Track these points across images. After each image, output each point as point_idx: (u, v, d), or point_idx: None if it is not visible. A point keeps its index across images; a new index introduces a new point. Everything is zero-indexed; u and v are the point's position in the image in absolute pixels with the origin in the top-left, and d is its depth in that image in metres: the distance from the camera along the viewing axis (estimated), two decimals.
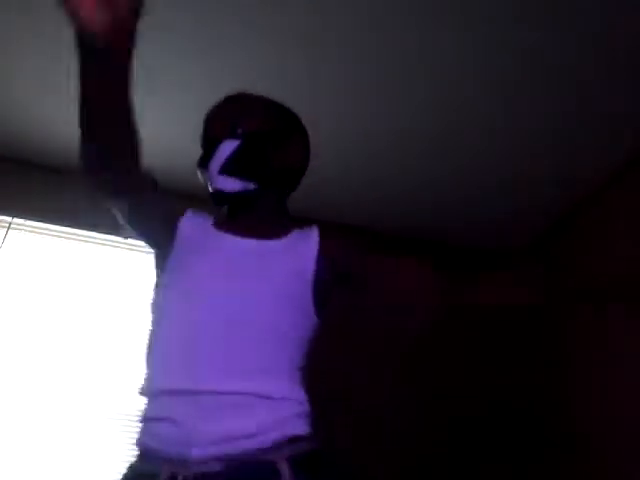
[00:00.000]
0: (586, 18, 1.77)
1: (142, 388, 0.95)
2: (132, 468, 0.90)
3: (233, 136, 1.05)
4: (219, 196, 1.06)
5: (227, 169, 1.03)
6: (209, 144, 1.06)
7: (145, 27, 1.91)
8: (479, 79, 2.04)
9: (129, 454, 2.28)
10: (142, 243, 2.85)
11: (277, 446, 0.85)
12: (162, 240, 1.04)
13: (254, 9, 1.82)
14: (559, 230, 2.75)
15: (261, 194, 1.08)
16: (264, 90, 2.13)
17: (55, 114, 2.33)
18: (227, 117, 1.08)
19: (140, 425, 0.92)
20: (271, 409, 0.88)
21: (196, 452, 0.82)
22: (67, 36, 1.96)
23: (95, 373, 2.36)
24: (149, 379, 0.93)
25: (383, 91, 2.12)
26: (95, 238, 2.62)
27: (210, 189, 1.06)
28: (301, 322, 0.98)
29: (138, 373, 2.39)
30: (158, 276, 1.05)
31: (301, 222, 1.15)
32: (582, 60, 1.92)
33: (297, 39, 1.92)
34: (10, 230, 2.50)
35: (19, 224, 2.53)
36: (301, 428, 0.90)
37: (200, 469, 0.81)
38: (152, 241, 1.07)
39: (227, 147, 1.04)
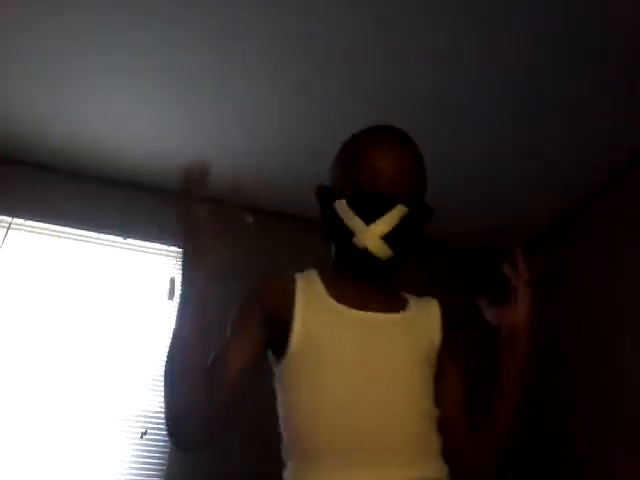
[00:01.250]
0: (587, 17, 1.77)
1: (295, 465, 0.91)
2: None
3: (404, 201, 1.00)
4: (364, 257, 0.97)
5: (391, 237, 0.97)
6: (380, 200, 0.98)
7: (154, 23, 1.92)
8: (479, 79, 2.04)
9: (130, 454, 2.28)
10: (142, 243, 2.83)
11: None
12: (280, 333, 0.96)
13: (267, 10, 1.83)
14: (559, 230, 2.74)
15: (397, 265, 1.04)
16: (279, 93, 2.14)
17: (55, 114, 2.33)
18: (397, 173, 1.03)
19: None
20: None
21: None
22: (67, 36, 1.96)
23: (95, 373, 2.36)
24: (307, 470, 0.89)
25: (382, 91, 2.12)
26: (95, 238, 2.62)
27: (358, 243, 0.97)
28: (434, 402, 0.98)
29: (137, 373, 2.39)
30: (279, 359, 0.97)
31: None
32: (582, 59, 1.92)
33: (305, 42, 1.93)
34: (10, 230, 2.50)
35: (19, 224, 2.53)
36: None
37: None
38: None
39: (398, 213, 0.98)
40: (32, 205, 2.53)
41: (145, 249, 2.63)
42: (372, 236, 0.97)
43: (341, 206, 1.00)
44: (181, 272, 0.92)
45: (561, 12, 1.76)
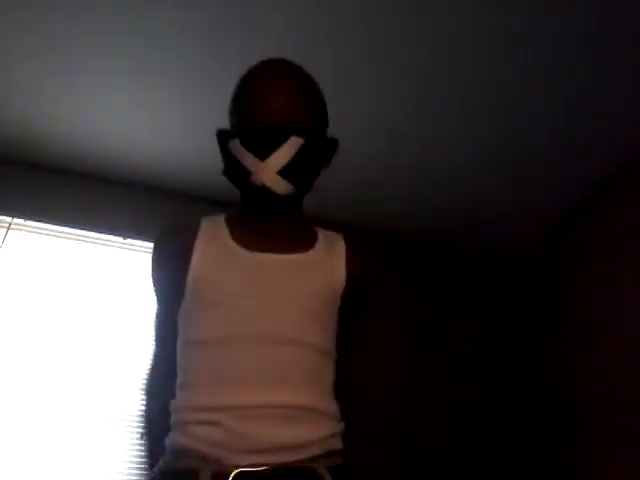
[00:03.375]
0: (586, 17, 1.77)
1: (177, 404, 0.93)
2: (167, 465, 0.89)
3: (298, 132, 0.95)
4: (263, 194, 0.95)
5: (289, 171, 0.94)
6: (271, 133, 0.94)
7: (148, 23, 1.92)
8: (479, 78, 2.04)
9: (129, 453, 2.28)
10: (142, 243, 2.83)
11: (317, 458, 0.87)
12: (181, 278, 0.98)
13: (255, 6, 1.83)
14: (560, 231, 2.74)
15: (299, 200, 1.03)
16: None
17: (55, 114, 2.33)
18: (287, 103, 0.97)
19: (174, 426, 0.91)
20: (317, 424, 0.90)
21: (240, 458, 0.83)
22: (67, 37, 1.96)
23: (95, 373, 2.36)
24: (186, 397, 0.92)
25: (383, 90, 2.12)
26: (95, 238, 2.62)
27: (256, 181, 0.95)
28: (330, 339, 0.98)
29: (137, 372, 2.39)
30: (177, 299, 0.99)
31: (319, 224, 1.09)
32: (582, 60, 1.92)
33: (296, 37, 1.93)
34: (10, 230, 2.50)
35: (19, 224, 2.53)
36: (340, 444, 0.92)
37: (243, 473, 0.82)
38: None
39: (293, 145, 0.94)
40: (32, 205, 2.53)
41: (145, 249, 2.63)
42: (268, 171, 0.94)
43: (235, 146, 0.97)
44: None
45: (561, 12, 1.76)
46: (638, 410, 2.05)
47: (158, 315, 1.06)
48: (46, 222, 2.56)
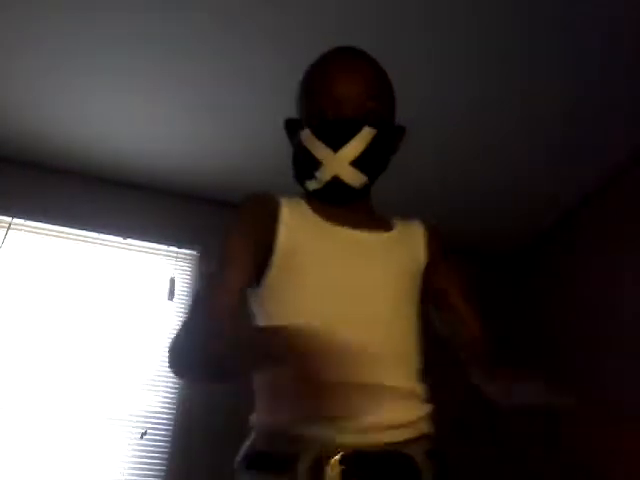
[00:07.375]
0: (586, 18, 1.77)
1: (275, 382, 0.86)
2: (256, 451, 0.84)
3: (369, 122, 0.94)
4: (336, 186, 0.95)
5: (361, 162, 0.94)
6: (344, 126, 0.94)
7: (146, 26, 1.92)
8: (479, 79, 2.04)
9: (130, 454, 2.28)
10: (142, 243, 2.81)
11: (415, 440, 0.84)
12: (265, 252, 0.91)
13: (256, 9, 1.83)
14: (559, 231, 2.74)
15: (369, 187, 1.01)
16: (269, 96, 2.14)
17: (56, 114, 2.33)
18: (361, 94, 0.96)
19: (267, 407, 0.86)
20: (412, 405, 0.88)
21: (344, 438, 0.78)
22: (67, 37, 1.96)
23: (95, 373, 2.36)
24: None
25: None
26: (95, 238, 2.62)
27: (326, 175, 0.94)
28: (418, 320, 0.96)
29: (137, 373, 2.39)
30: (266, 275, 0.92)
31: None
32: (583, 60, 1.92)
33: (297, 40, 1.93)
34: (10, 230, 2.50)
35: (19, 224, 2.53)
36: (431, 427, 0.90)
37: (346, 454, 0.78)
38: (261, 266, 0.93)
39: (365, 136, 0.94)
40: (32, 205, 2.53)
41: (145, 249, 2.63)
42: (341, 163, 0.94)
43: (306, 135, 0.97)
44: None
45: (560, 14, 1.76)
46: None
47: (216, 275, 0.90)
48: (46, 222, 2.56)
